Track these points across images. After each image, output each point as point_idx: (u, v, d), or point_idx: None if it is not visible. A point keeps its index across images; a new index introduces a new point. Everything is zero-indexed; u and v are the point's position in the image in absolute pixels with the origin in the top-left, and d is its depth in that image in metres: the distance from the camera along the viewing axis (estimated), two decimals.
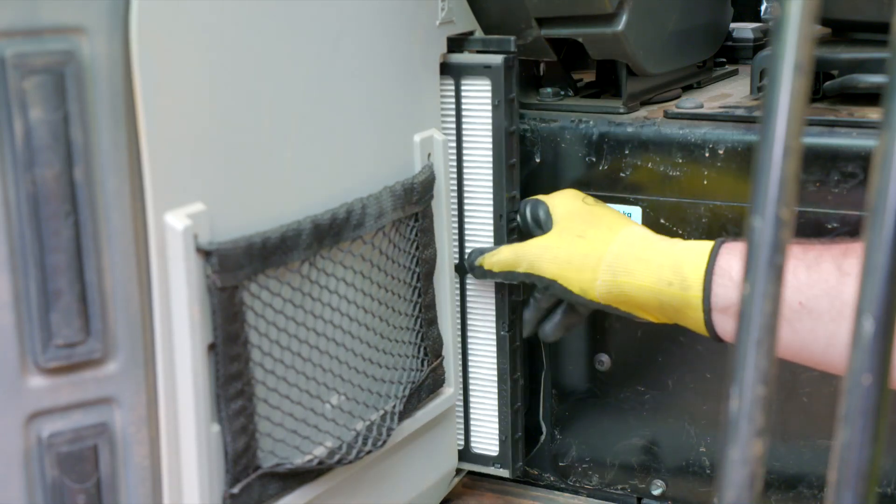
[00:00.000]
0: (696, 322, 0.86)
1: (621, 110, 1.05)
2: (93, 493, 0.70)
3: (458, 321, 1.05)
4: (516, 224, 1.02)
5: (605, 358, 1.07)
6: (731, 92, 1.14)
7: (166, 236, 0.70)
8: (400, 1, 0.92)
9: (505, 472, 1.07)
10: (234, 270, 0.73)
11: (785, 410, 0.99)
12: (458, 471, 1.09)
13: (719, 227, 0.98)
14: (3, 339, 0.66)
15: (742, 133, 0.98)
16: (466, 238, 1.03)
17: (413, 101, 0.95)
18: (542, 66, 1.10)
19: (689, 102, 1.05)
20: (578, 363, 1.09)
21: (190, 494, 0.73)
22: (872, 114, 0.97)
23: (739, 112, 1.01)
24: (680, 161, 0.99)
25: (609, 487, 1.10)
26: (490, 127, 0.99)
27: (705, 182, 0.99)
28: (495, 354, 1.04)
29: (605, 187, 1.03)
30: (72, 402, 0.69)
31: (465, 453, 1.08)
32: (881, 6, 1.03)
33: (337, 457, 0.84)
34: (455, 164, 1.01)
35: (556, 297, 0.96)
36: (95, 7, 0.66)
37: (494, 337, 1.04)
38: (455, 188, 1.02)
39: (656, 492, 1.08)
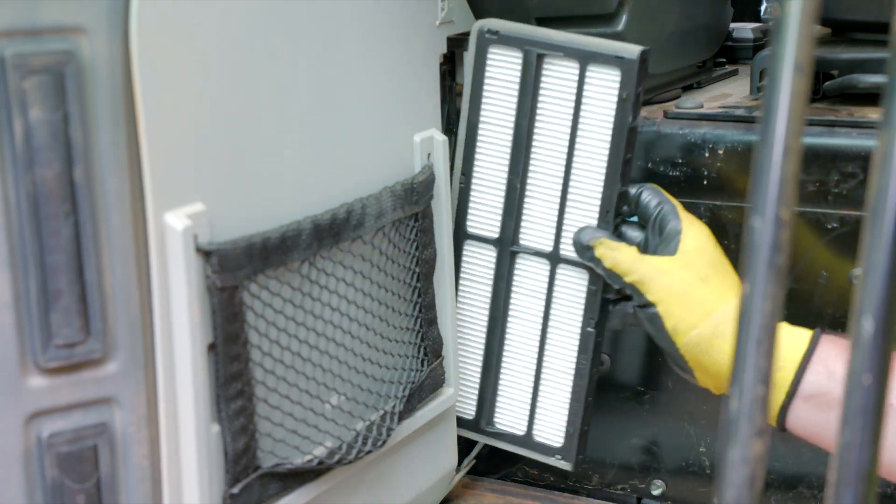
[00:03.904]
0: (770, 405, 0.83)
1: None
2: (93, 493, 0.70)
3: (546, 316, 0.98)
4: (620, 220, 0.95)
5: (605, 358, 1.07)
6: (731, 92, 1.14)
7: (166, 236, 0.70)
8: (400, 1, 0.92)
9: (566, 465, 1.01)
10: (233, 270, 0.73)
11: None
12: (458, 469, 1.09)
13: (719, 227, 0.98)
14: (3, 339, 0.66)
15: (742, 133, 0.98)
16: (564, 229, 0.96)
17: (413, 101, 0.95)
18: None
19: (689, 102, 1.05)
20: None
21: (190, 494, 0.73)
22: (872, 114, 0.97)
23: (739, 112, 1.01)
24: (680, 161, 0.99)
25: (609, 487, 1.10)
26: (612, 120, 0.92)
27: (705, 182, 0.99)
28: (576, 349, 0.98)
29: None
30: (72, 402, 0.69)
31: (526, 440, 1.02)
32: (881, 6, 1.03)
33: (337, 457, 0.84)
34: (566, 151, 0.95)
35: (643, 318, 0.90)
36: (95, 7, 0.66)
37: (578, 332, 0.98)
38: (561, 176, 0.95)
39: (656, 492, 1.08)
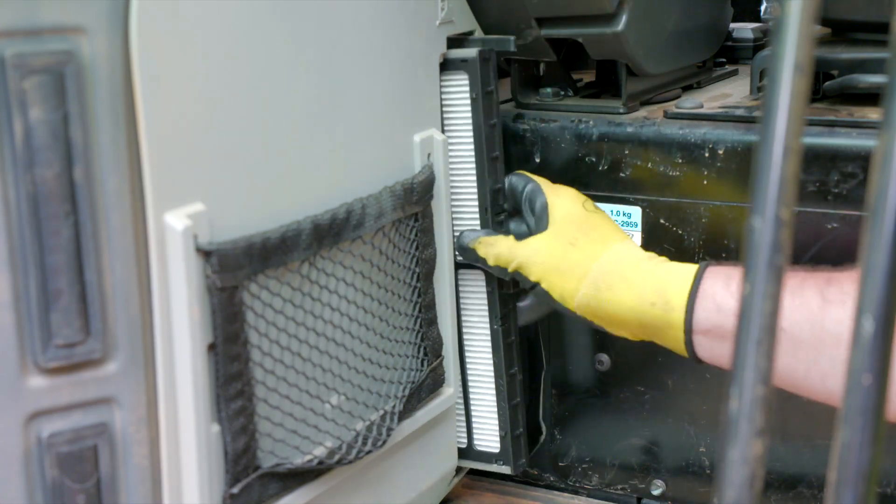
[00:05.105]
0: (675, 342, 0.86)
1: (621, 110, 1.05)
2: (93, 493, 0.70)
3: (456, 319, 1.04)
4: (504, 217, 1.00)
5: (605, 358, 1.07)
6: (731, 92, 1.14)
7: (166, 236, 0.70)
8: (400, 1, 0.92)
9: (507, 469, 1.05)
10: (233, 270, 0.73)
11: (785, 410, 0.99)
12: (459, 469, 1.09)
13: (719, 227, 0.98)
14: (3, 339, 0.66)
15: (742, 133, 0.98)
16: (455, 235, 1.01)
17: (413, 101, 0.95)
18: (542, 66, 1.10)
19: (689, 102, 1.05)
20: (578, 363, 1.09)
21: (190, 494, 0.73)
22: (872, 114, 0.97)
23: (739, 112, 1.01)
24: (680, 161, 0.99)
25: (609, 487, 1.10)
26: (470, 121, 0.98)
27: (705, 182, 0.99)
28: (490, 350, 1.03)
29: (605, 187, 1.03)
30: (72, 402, 0.69)
31: (468, 451, 1.06)
32: (881, 6, 1.03)
33: (337, 457, 0.84)
34: None
35: (538, 298, 0.94)
36: (95, 7, 0.66)
37: (489, 332, 1.03)
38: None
39: (656, 492, 1.08)
